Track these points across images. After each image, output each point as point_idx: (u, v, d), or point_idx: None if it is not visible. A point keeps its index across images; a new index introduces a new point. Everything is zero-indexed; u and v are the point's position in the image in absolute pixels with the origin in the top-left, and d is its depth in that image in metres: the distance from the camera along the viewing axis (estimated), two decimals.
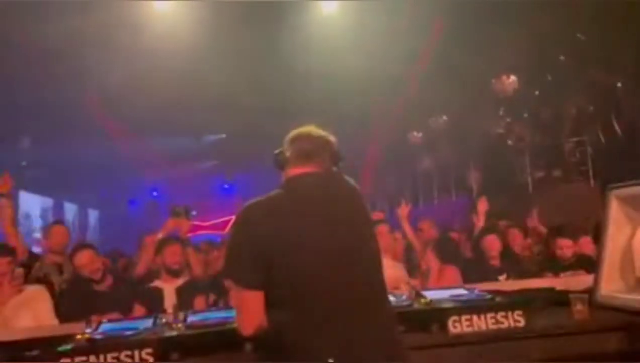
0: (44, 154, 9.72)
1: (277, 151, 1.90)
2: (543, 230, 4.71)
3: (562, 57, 8.72)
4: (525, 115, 10.28)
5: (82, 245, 3.68)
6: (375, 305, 1.74)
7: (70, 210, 13.53)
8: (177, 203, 4.00)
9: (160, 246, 3.60)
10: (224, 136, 11.16)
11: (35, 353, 2.11)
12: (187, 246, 3.67)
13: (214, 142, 11.27)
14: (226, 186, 14.62)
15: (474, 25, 7.07)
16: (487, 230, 4.17)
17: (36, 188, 11.67)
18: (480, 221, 4.46)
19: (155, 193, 14.17)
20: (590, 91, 8.80)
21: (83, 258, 3.40)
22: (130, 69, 6.87)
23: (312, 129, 1.90)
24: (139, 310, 3.22)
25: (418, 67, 7.74)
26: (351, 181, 1.89)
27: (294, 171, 1.83)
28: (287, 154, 1.86)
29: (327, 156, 1.85)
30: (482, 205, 4.57)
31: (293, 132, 1.90)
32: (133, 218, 12.96)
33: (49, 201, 12.47)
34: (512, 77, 9.35)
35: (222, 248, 4.56)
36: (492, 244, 3.90)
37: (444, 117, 10.81)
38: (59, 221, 4.53)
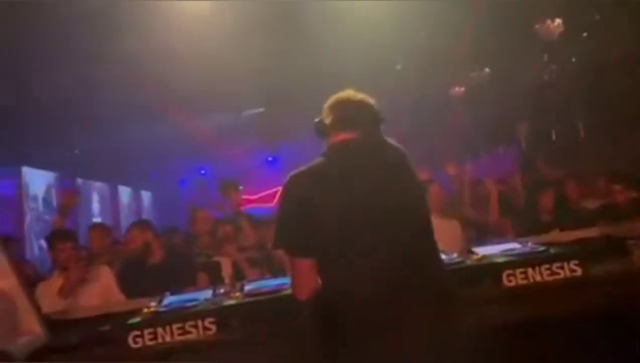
0: (94, 141, 10.04)
1: (317, 120, 1.90)
2: (596, 178, 4.56)
3: None
4: (574, 60, 9.82)
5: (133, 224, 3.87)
6: (425, 266, 1.74)
7: (125, 193, 14.04)
8: (224, 178, 4.10)
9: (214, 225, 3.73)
10: (262, 109, 11.23)
11: (106, 328, 2.24)
12: (240, 219, 3.76)
13: (253, 116, 11.36)
14: (270, 158, 14.78)
15: None
16: (541, 184, 4.09)
17: (90, 175, 12.15)
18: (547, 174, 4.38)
19: (202, 171, 14.49)
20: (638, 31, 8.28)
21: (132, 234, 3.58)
22: (175, 55, 6.95)
23: (350, 93, 1.89)
24: (202, 280, 3.36)
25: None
26: (394, 143, 1.87)
27: (335, 137, 1.83)
28: (327, 121, 1.86)
29: (368, 119, 1.84)
30: (541, 160, 4.49)
31: (331, 99, 1.90)
32: (184, 196, 13.34)
33: (104, 187, 12.99)
34: (557, 21, 8.91)
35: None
36: (546, 198, 3.84)
37: (487, 70, 10.45)
38: (97, 224, 4.63)
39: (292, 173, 1.79)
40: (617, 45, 8.88)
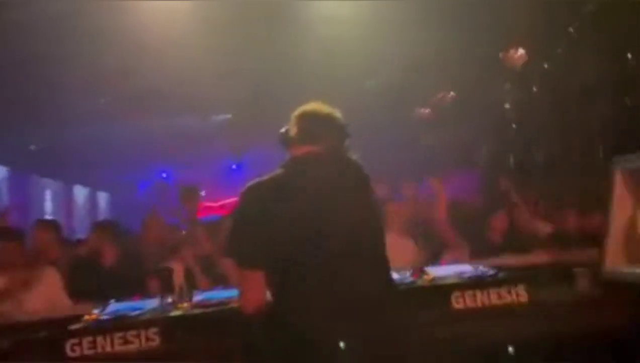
0: (53, 138, 9.74)
1: (282, 130, 1.88)
2: (549, 205, 4.69)
3: (571, 29, 8.56)
4: (535, 89, 10.15)
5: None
6: (377, 284, 1.74)
7: (81, 193, 13.64)
8: (184, 184, 4.03)
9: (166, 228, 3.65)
10: (229, 116, 11.14)
11: (43, 334, 2.15)
12: (197, 227, 3.70)
13: (220, 122, 11.25)
14: (234, 166, 14.66)
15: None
16: (494, 206, 4.16)
17: (46, 172, 11.77)
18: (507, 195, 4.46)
19: (164, 175, 14.25)
20: (600, 64, 8.64)
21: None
22: (138, 54, 6.83)
23: (317, 106, 1.87)
24: (153, 286, 3.28)
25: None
26: (356, 159, 1.87)
27: (298, 150, 1.82)
28: (292, 132, 1.84)
29: (333, 134, 1.83)
30: (504, 179, 4.58)
31: (298, 110, 1.88)
32: (143, 199, 13.06)
33: (59, 185, 12.58)
34: (521, 51, 9.20)
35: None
36: (498, 221, 3.91)
37: (452, 93, 10.69)
38: (39, 221, 4.42)
39: (249, 183, 1.77)
40: (577, 78, 9.24)
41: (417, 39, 7.46)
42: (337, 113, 1.86)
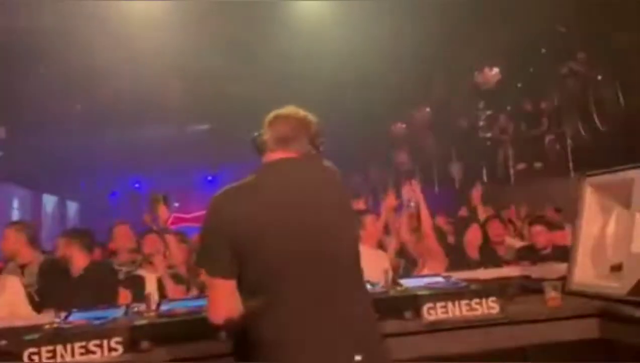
0: (22, 145, 9.52)
1: (255, 134, 1.81)
2: (520, 221, 4.76)
3: (543, 50, 8.78)
4: (508, 107, 10.35)
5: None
6: (350, 293, 1.70)
7: (50, 202, 13.33)
8: (156, 190, 3.97)
9: (139, 237, 3.59)
10: (207, 127, 11.05)
11: (2, 343, 2.06)
12: (167, 235, 3.63)
13: (197, 133, 11.15)
14: (210, 178, 14.52)
15: (457, 18, 7.08)
16: (468, 221, 4.20)
17: (13, 179, 11.47)
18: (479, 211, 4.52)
19: (137, 185, 14.03)
20: (571, 84, 8.87)
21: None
22: (113, 59, 6.75)
23: (291, 110, 1.81)
24: (124, 295, 3.21)
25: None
26: (331, 165, 1.82)
27: (271, 155, 1.77)
28: (265, 137, 1.78)
29: (307, 139, 1.78)
30: (477, 193, 4.64)
31: (272, 114, 1.82)
32: (114, 209, 12.82)
33: (27, 193, 12.27)
34: (495, 70, 9.39)
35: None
36: (472, 236, 3.95)
37: (427, 109, 10.83)
38: (12, 222, 4.34)
39: (220, 190, 1.72)
40: (547, 97, 9.47)
41: (393, 54, 7.58)
42: (313, 118, 1.81)
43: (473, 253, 3.97)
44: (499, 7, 7.00)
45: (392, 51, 7.50)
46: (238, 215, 1.64)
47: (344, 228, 1.76)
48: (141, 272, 3.58)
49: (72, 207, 14.66)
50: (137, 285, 3.40)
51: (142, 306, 2.35)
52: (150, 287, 3.34)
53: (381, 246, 3.92)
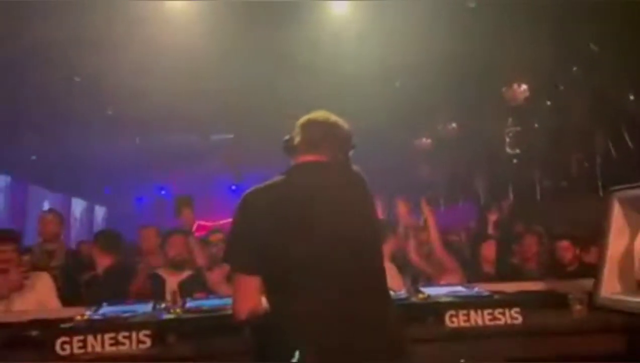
0: (54, 150, 9.81)
1: (286, 137, 1.87)
2: (547, 238, 4.70)
3: (574, 68, 8.69)
4: (536, 125, 10.24)
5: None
6: (374, 296, 1.73)
7: (79, 206, 13.64)
8: (181, 194, 4.04)
9: (163, 238, 3.64)
10: (231, 136, 11.19)
11: (35, 333, 2.14)
12: (190, 237, 3.68)
13: (221, 142, 11.30)
14: (233, 187, 14.66)
15: (486, 33, 7.07)
16: (487, 236, 4.18)
17: (46, 183, 11.80)
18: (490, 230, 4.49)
19: (162, 192, 14.25)
20: (602, 102, 8.76)
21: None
22: (139, 67, 6.92)
23: (323, 115, 1.86)
24: (146, 292, 3.25)
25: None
26: (359, 170, 1.85)
27: (301, 158, 1.81)
28: (296, 140, 1.83)
29: (337, 143, 1.82)
30: (492, 216, 4.62)
31: (304, 118, 1.87)
32: (140, 215, 13.04)
33: (58, 197, 12.59)
34: (524, 86, 9.31)
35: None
36: (487, 249, 3.93)
37: (454, 125, 10.78)
38: (52, 209, 4.56)
39: (249, 189, 1.76)
40: (577, 116, 9.35)
41: (420, 69, 7.60)
42: (344, 123, 1.84)
43: (490, 268, 3.95)
44: (531, 23, 6.97)
45: (420, 65, 7.52)
46: (266, 213, 1.68)
47: (368, 232, 1.79)
48: (161, 273, 3.61)
49: (100, 211, 14.96)
50: (157, 286, 3.43)
51: (168, 304, 2.41)
52: (171, 288, 3.38)
53: (392, 259, 3.91)
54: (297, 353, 1.55)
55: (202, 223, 11.66)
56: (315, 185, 1.75)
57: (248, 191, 1.76)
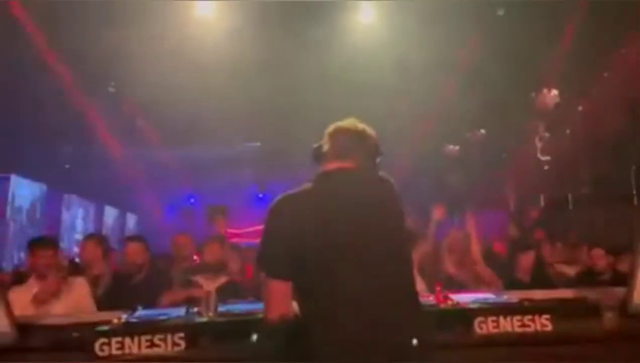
0: (87, 159, 10.08)
1: (316, 145, 1.91)
2: (578, 243, 4.62)
3: (605, 74, 8.54)
4: (567, 131, 10.06)
5: (134, 237, 3.86)
6: (403, 302, 1.74)
7: (111, 214, 13.94)
8: (213, 203, 4.13)
9: (200, 245, 3.72)
10: (258, 144, 11.31)
11: (75, 335, 2.22)
12: (225, 243, 3.76)
13: (249, 150, 11.43)
14: (260, 195, 14.77)
15: (515, 38, 7.02)
16: (524, 245, 4.14)
17: (79, 191, 12.12)
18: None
19: (192, 200, 14.46)
20: (634, 108, 8.57)
21: (132, 247, 3.57)
22: (169, 78, 7.08)
23: (352, 123, 1.90)
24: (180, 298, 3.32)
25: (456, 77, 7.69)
26: (387, 177, 1.88)
27: (329, 165, 1.85)
28: (324, 148, 1.87)
29: (365, 151, 1.85)
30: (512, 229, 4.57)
31: (333, 126, 1.91)
32: (170, 223, 13.25)
33: (91, 205, 12.91)
34: (554, 92, 9.18)
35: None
36: (526, 260, 3.89)
37: (482, 131, 10.67)
38: (92, 234, 4.62)
39: (280, 195, 1.80)
40: (610, 122, 9.15)
41: (449, 76, 7.58)
42: (371, 131, 1.88)
43: (524, 276, 3.91)
44: (560, 29, 6.90)
45: (446, 70, 7.50)
46: (296, 220, 1.72)
47: (396, 238, 1.81)
48: (198, 279, 3.69)
49: (132, 219, 15.26)
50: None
51: (202, 309, 2.47)
52: (206, 293, 3.44)
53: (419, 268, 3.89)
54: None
55: (230, 230, 11.82)
56: (344, 192, 1.79)
57: (279, 198, 1.80)
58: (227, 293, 3.42)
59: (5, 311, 2.14)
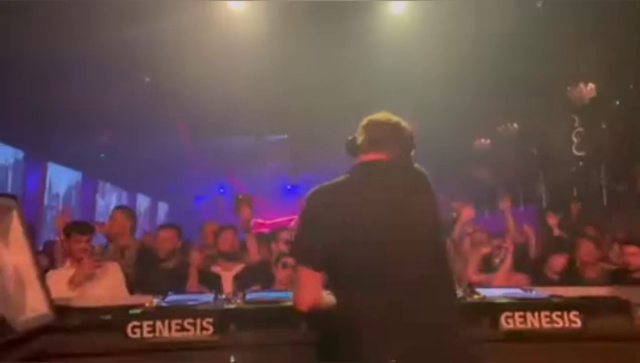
0: (121, 148, 10.32)
1: (350, 137, 1.94)
2: (612, 242, 4.53)
3: None
4: (603, 125, 9.79)
5: (169, 224, 3.95)
6: (438, 296, 1.74)
7: (144, 202, 14.27)
8: (240, 192, 4.18)
9: (216, 233, 3.79)
10: (285, 136, 11.39)
11: (107, 317, 2.30)
12: (247, 233, 3.81)
13: (277, 142, 11.52)
14: (289, 187, 14.85)
15: (553, 31, 6.87)
16: (558, 246, 4.11)
17: (113, 179, 12.44)
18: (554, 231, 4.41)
19: (221, 190, 14.65)
20: None
21: (164, 234, 3.66)
22: (201, 70, 7.17)
23: (385, 115, 1.92)
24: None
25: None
26: (421, 168, 1.89)
27: (364, 157, 1.87)
28: (359, 140, 1.89)
29: (399, 143, 1.87)
30: (552, 219, 4.54)
31: (366, 119, 1.93)
32: (199, 212, 13.47)
33: (124, 193, 13.25)
34: (590, 85, 8.93)
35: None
36: (558, 262, 3.86)
37: (515, 125, 10.47)
38: (121, 206, 4.72)
39: (316, 186, 1.83)
40: None
41: (483, 68, 7.46)
42: (405, 123, 1.89)
43: (555, 275, 3.88)
44: (599, 21, 6.71)
45: (482, 64, 7.38)
46: (331, 211, 1.74)
47: (432, 231, 1.81)
48: (216, 269, 3.75)
49: (163, 208, 15.59)
50: (213, 283, 3.56)
51: (229, 296, 2.52)
52: (227, 286, 3.51)
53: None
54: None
55: (260, 221, 11.94)
56: (380, 183, 1.80)
57: (315, 188, 1.82)
58: (248, 280, 3.49)
59: (44, 293, 2.22)
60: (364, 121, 1.92)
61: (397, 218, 1.73)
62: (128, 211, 4.10)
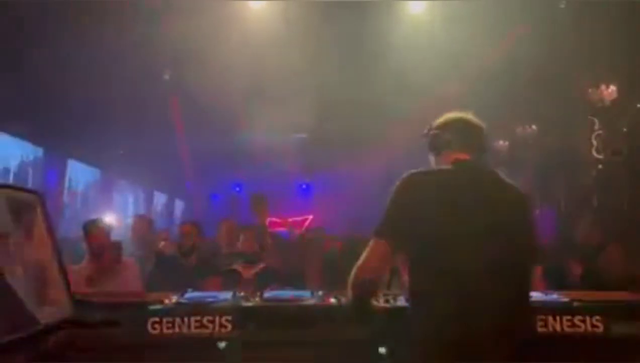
0: (139, 145, 10.41)
1: (433, 132, 1.94)
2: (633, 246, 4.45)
3: None
4: (625, 129, 9.62)
5: (190, 221, 3.99)
6: (513, 291, 1.74)
7: (160, 199, 14.39)
8: (256, 192, 4.22)
9: (236, 233, 3.81)
10: (304, 136, 11.38)
11: (128, 313, 2.32)
12: (264, 233, 3.83)
13: (295, 141, 11.52)
14: (303, 186, 14.85)
15: (575, 32, 6.77)
16: (577, 251, 4.06)
17: (131, 177, 12.55)
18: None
19: (237, 189, 14.70)
20: None
21: (185, 230, 3.71)
22: (219, 67, 7.19)
23: (471, 116, 1.95)
24: (215, 285, 3.42)
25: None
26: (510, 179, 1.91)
27: (452, 155, 1.88)
28: (447, 136, 1.90)
29: (481, 145, 1.92)
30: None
31: (452, 115, 1.95)
32: (216, 210, 13.54)
33: (141, 190, 13.37)
34: (612, 88, 8.79)
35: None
36: (577, 266, 3.82)
37: (534, 127, 10.36)
38: (143, 215, 4.80)
39: (413, 171, 1.83)
40: None
41: (503, 69, 7.38)
42: (482, 123, 1.93)
43: (576, 279, 3.83)
44: (622, 22, 6.60)
45: (502, 64, 7.31)
46: (426, 194, 1.75)
47: (519, 235, 1.81)
48: (237, 267, 3.77)
49: (179, 205, 15.69)
50: (232, 280, 3.58)
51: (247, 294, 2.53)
52: (246, 284, 3.52)
53: None
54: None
55: (274, 219, 11.96)
56: (469, 182, 1.81)
57: (412, 171, 1.83)
58: (267, 279, 3.51)
59: (66, 288, 2.25)
60: (451, 117, 1.93)
61: (490, 219, 1.73)
62: (146, 218, 4.18)
